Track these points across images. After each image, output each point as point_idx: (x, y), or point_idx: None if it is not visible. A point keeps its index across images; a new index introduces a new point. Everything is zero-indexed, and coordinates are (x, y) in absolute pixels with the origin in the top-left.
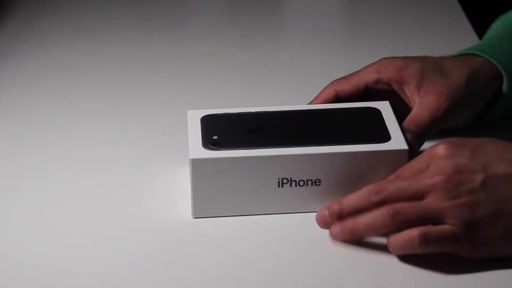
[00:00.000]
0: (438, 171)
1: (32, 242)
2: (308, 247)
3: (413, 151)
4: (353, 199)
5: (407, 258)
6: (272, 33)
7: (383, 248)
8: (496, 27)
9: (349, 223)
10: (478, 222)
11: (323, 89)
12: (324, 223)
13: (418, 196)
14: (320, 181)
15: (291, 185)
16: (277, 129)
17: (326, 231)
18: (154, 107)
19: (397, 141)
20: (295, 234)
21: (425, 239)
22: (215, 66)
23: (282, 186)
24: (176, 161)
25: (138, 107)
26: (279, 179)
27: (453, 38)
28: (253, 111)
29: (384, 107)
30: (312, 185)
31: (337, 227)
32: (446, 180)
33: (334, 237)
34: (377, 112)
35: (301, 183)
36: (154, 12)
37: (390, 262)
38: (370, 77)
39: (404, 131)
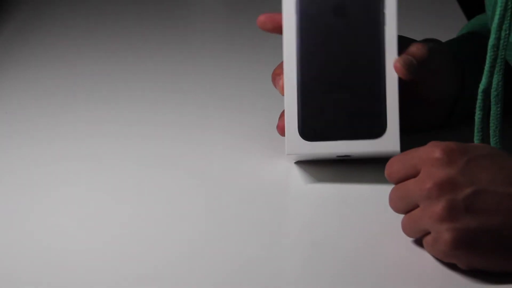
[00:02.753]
0: (426, 180)
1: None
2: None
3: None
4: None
5: None
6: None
7: None
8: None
9: None
10: (459, 240)
11: None
12: None
13: (414, 205)
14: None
15: None
16: None
17: None
18: (152, 105)
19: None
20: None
21: (429, 253)
22: (215, 68)
23: None
24: None
25: (139, 106)
26: None
27: (452, 37)
28: None
29: None
30: None
31: None
32: (431, 190)
33: None
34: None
35: None
36: (157, 11)
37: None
38: None
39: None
